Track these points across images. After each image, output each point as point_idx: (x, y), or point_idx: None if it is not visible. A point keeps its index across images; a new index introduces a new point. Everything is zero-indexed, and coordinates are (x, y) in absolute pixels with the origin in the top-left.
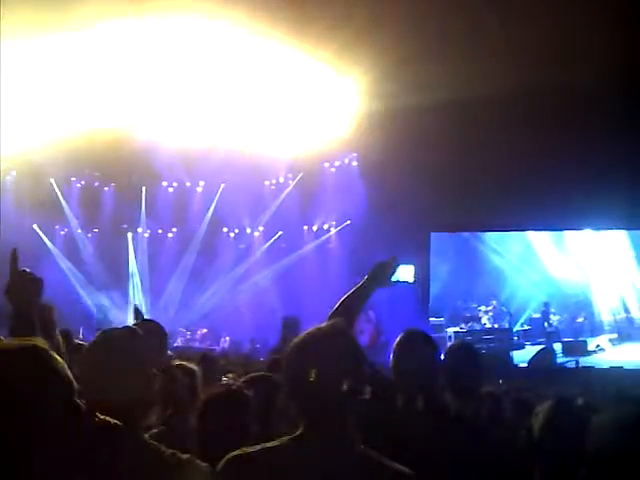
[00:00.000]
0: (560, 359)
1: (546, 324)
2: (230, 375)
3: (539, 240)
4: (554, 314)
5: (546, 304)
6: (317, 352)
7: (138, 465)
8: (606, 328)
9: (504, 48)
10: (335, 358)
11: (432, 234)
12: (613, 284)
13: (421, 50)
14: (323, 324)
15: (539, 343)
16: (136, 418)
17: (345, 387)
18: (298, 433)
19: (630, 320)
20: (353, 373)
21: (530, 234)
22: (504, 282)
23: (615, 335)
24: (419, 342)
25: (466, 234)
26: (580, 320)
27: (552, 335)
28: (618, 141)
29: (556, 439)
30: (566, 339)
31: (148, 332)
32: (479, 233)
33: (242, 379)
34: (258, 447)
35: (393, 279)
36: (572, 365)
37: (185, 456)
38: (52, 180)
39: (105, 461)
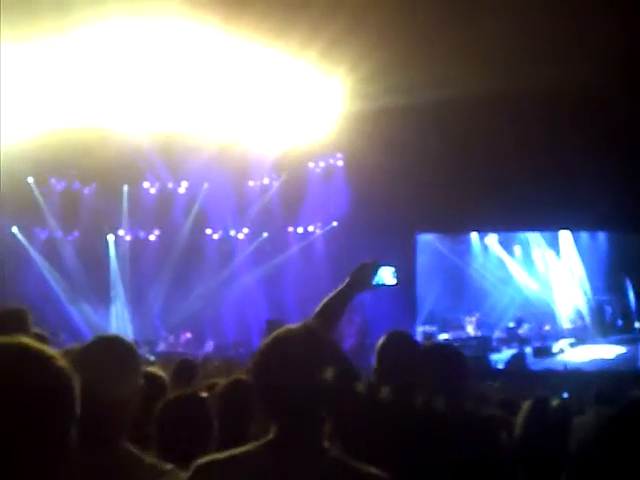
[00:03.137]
0: (530, 360)
1: (519, 331)
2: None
3: (513, 265)
4: (525, 323)
5: (519, 316)
6: (287, 354)
7: (120, 475)
8: (566, 334)
9: (490, 49)
10: (306, 360)
11: (423, 249)
12: (570, 296)
13: (406, 51)
14: (294, 325)
15: (514, 347)
16: (121, 425)
17: (319, 389)
18: (269, 438)
19: (584, 326)
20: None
21: (506, 260)
22: (485, 298)
23: (573, 339)
24: (403, 343)
25: (455, 259)
26: (547, 328)
27: (524, 341)
28: (596, 148)
29: (536, 438)
30: (535, 344)
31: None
32: (467, 258)
33: (223, 383)
34: (227, 453)
35: (375, 281)
36: (560, 367)
37: (168, 466)
38: (31, 180)
39: (88, 471)
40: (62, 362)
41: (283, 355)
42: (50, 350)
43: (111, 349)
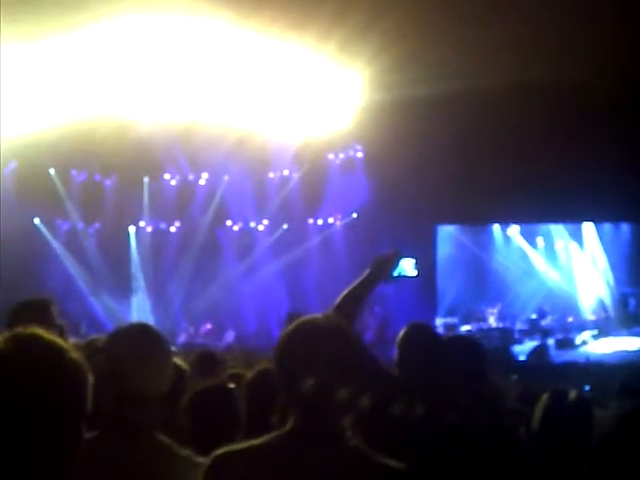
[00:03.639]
0: (552, 352)
1: (542, 323)
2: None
3: (535, 256)
4: (548, 315)
5: (541, 307)
6: (310, 342)
7: (157, 466)
8: (589, 325)
9: (511, 41)
10: (329, 350)
11: (445, 241)
12: (592, 288)
13: (426, 42)
14: (316, 316)
15: (536, 339)
16: (155, 416)
17: (342, 378)
18: (287, 428)
19: (607, 318)
20: (347, 366)
21: (529, 251)
22: (508, 289)
23: (596, 331)
24: (424, 335)
25: (477, 250)
26: (569, 320)
27: (547, 332)
28: (619, 139)
29: (554, 430)
30: (558, 335)
31: None
32: (489, 250)
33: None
34: (245, 444)
35: (396, 273)
36: (582, 359)
37: (200, 459)
38: (52, 171)
39: (123, 462)
40: (75, 355)
41: (306, 343)
42: (62, 342)
43: (145, 340)
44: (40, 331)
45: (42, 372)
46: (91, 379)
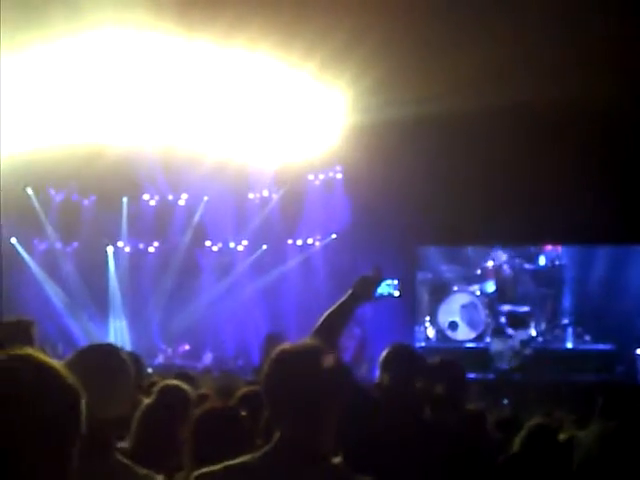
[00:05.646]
0: None
1: None
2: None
3: None
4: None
5: None
6: (297, 367)
7: None
8: None
9: (491, 62)
10: (314, 374)
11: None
12: None
13: (407, 64)
14: (300, 341)
15: None
16: (111, 437)
17: (325, 401)
18: (269, 448)
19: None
20: (331, 388)
21: None
22: None
23: None
24: (406, 356)
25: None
26: None
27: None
28: (591, 162)
29: (533, 458)
30: None
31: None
32: None
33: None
34: (224, 464)
35: (378, 293)
36: None
37: (159, 477)
38: (30, 191)
39: None
40: (72, 379)
41: (291, 369)
42: (58, 364)
43: (102, 361)
44: (35, 352)
45: (40, 393)
46: (84, 402)
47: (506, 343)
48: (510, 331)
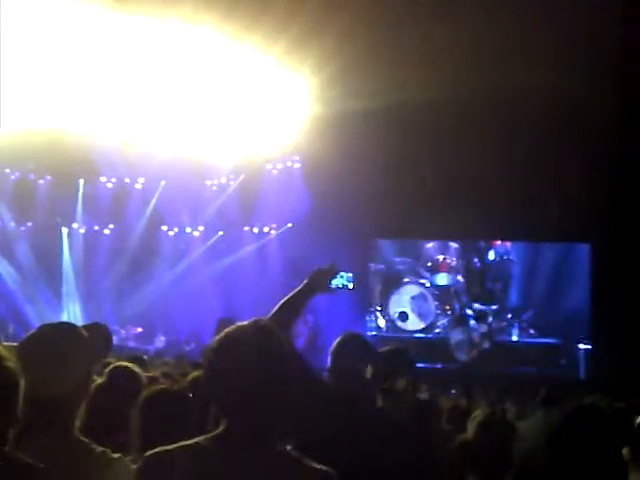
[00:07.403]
0: None
1: None
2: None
3: None
4: None
5: None
6: (240, 349)
7: (68, 463)
8: None
9: (452, 53)
10: (257, 357)
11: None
12: None
13: (367, 55)
14: (246, 322)
15: None
16: (69, 414)
17: (271, 385)
18: (219, 431)
19: None
20: (277, 370)
21: None
22: None
23: None
24: (357, 345)
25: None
26: None
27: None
28: (563, 152)
29: (489, 444)
30: None
31: (93, 332)
32: None
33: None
34: (176, 445)
35: (333, 285)
36: None
37: (116, 455)
38: None
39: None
40: (11, 362)
41: (234, 352)
42: (2, 348)
43: (54, 339)
44: None
45: None
46: (22, 386)
47: (466, 334)
48: (472, 323)
